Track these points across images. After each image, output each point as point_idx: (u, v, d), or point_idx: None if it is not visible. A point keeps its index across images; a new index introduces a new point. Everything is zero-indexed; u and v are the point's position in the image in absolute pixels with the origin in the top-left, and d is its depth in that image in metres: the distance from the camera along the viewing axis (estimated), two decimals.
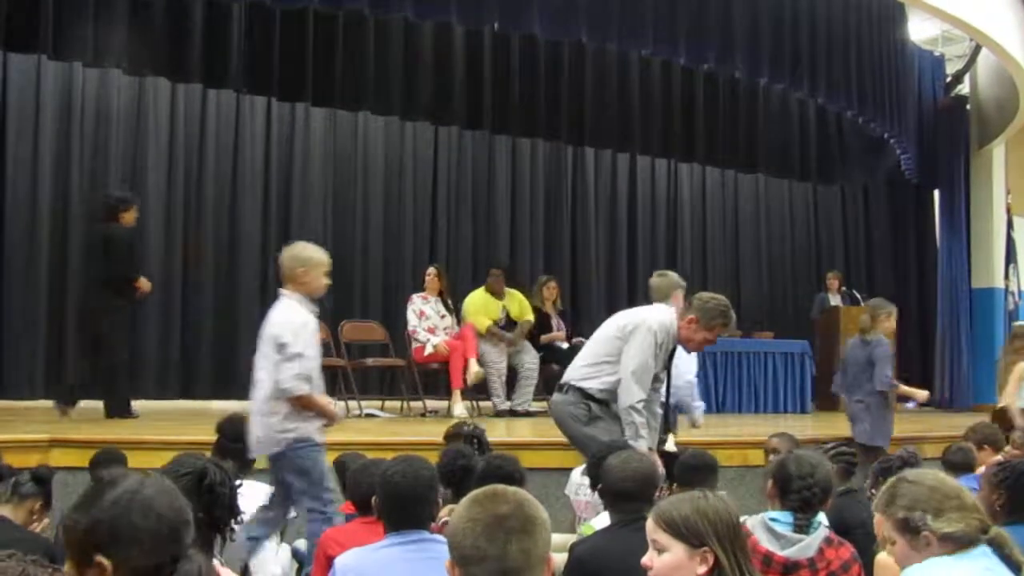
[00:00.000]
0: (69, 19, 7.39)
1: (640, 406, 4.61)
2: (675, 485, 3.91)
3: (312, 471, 4.09)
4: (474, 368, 7.86)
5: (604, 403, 4.75)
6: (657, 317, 4.75)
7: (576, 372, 4.87)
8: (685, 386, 5.72)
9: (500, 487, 1.87)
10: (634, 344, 4.66)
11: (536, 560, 1.76)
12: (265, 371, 4.17)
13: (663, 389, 4.90)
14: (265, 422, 4.16)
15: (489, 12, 7.93)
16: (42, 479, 3.40)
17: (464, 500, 1.85)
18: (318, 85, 8.65)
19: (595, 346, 4.91)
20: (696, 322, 4.65)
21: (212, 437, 4.47)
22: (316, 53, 8.52)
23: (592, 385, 4.77)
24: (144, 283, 7.13)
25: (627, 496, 3.13)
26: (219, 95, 9.26)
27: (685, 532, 2.09)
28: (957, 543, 2.24)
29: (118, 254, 6.97)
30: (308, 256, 4.30)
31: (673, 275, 5.76)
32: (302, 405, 4.13)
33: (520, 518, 1.76)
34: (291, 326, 4.13)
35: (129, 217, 7.14)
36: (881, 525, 2.52)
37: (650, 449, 4.61)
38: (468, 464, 3.71)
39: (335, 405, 4.46)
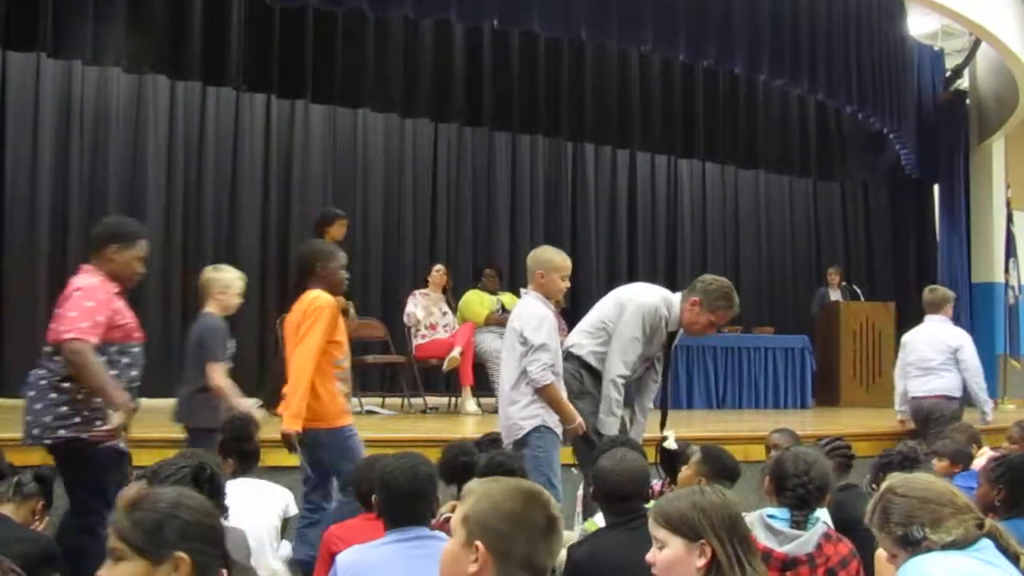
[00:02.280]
0: (68, 17, 7.39)
1: (621, 382, 4.61)
2: (701, 481, 3.90)
3: (544, 460, 4.27)
4: (453, 354, 7.90)
5: (597, 375, 4.69)
6: (649, 299, 4.72)
7: (573, 337, 4.87)
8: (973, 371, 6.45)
9: (536, 490, 1.92)
10: (623, 320, 4.66)
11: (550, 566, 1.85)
12: (508, 363, 4.44)
13: (658, 376, 4.87)
14: (507, 411, 4.41)
15: (488, 9, 7.93)
16: (45, 479, 3.41)
17: (503, 493, 1.87)
18: (317, 82, 8.65)
19: (593, 313, 4.91)
20: (699, 304, 4.64)
21: None
22: (315, 50, 8.52)
23: (584, 351, 4.74)
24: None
25: (624, 496, 3.12)
26: (218, 92, 9.26)
27: (682, 527, 2.12)
28: (959, 547, 2.24)
29: None
30: (548, 259, 4.55)
31: (942, 289, 6.81)
32: (546, 395, 4.33)
33: (558, 528, 1.86)
34: (533, 320, 4.38)
35: (335, 231, 7.34)
36: (880, 540, 2.53)
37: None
38: (470, 461, 3.71)
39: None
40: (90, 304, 3.69)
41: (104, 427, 3.72)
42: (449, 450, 3.84)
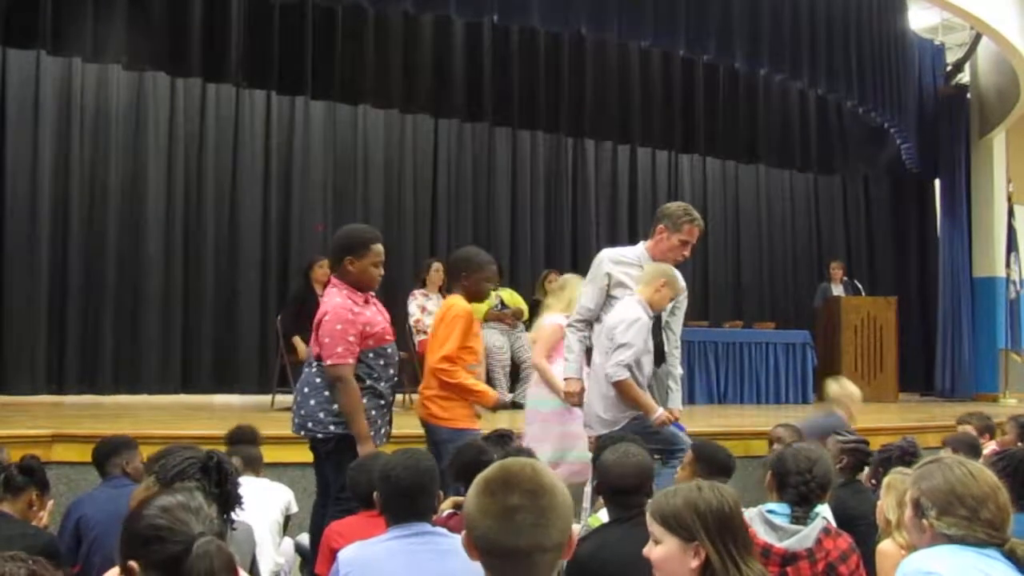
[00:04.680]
0: (68, 15, 7.39)
1: (570, 328, 4.90)
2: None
3: (659, 433, 4.45)
4: None
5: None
6: (610, 250, 4.99)
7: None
8: None
9: (514, 471, 1.77)
10: None
11: (553, 545, 1.71)
12: (602, 358, 4.59)
13: (678, 340, 4.96)
14: (606, 403, 4.57)
15: (488, 4, 7.92)
16: (29, 469, 3.40)
17: (478, 485, 1.77)
18: (318, 79, 8.64)
19: None
20: (666, 230, 4.82)
21: (213, 431, 4.48)
22: (315, 46, 8.51)
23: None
24: None
25: (626, 491, 3.11)
26: (218, 89, 9.26)
27: (676, 526, 2.11)
28: (958, 542, 2.24)
29: None
30: (674, 276, 4.72)
31: None
32: (620, 391, 4.49)
33: (534, 510, 1.70)
34: (626, 320, 4.54)
35: (317, 274, 7.78)
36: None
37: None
38: (490, 460, 3.70)
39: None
40: (339, 327, 4.01)
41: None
42: (468, 450, 3.76)
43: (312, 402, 4.06)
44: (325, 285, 7.93)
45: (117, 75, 8.81)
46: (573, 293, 5.37)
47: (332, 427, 4.02)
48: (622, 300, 4.73)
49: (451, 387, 4.39)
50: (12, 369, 8.34)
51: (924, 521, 2.28)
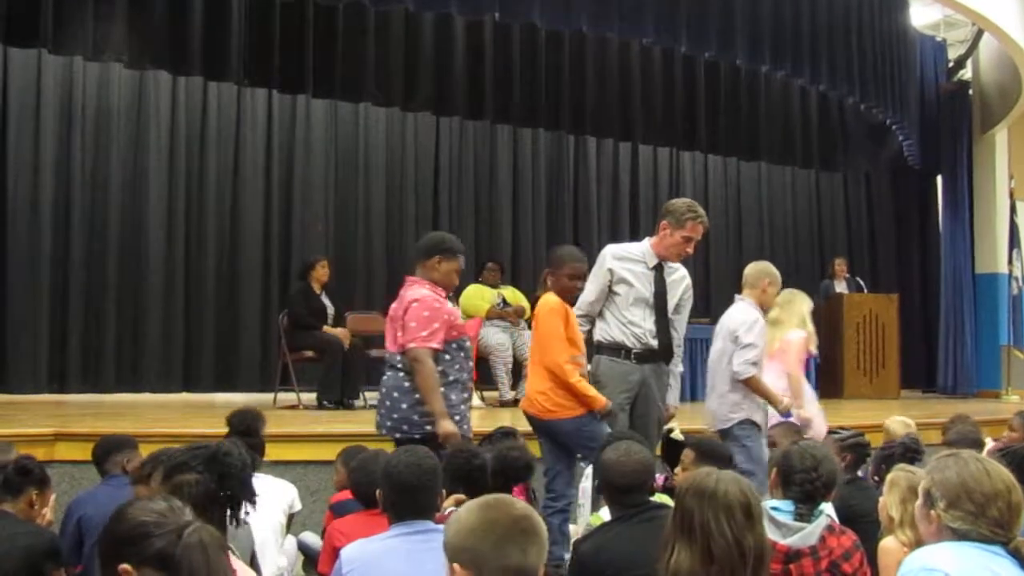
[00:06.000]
0: (69, 13, 7.39)
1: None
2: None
3: (752, 449, 4.82)
4: None
5: (608, 354, 4.85)
6: (613, 246, 5.05)
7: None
8: None
9: (507, 499, 1.96)
10: None
11: (535, 567, 1.83)
12: (720, 360, 4.97)
13: (680, 338, 4.97)
14: (721, 401, 4.95)
15: (489, 2, 7.92)
16: (25, 469, 3.40)
17: (472, 505, 1.92)
18: (319, 77, 8.64)
19: None
20: (669, 226, 4.88)
21: (215, 430, 4.47)
22: (316, 45, 8.50)
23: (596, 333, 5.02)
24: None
25: (628, 489, 3.11)
26: (220, 87, 9.25)
27: None
28: (962, 536, 2.25)
29: None
30: (775, 273, 5.22)
31: None
32: (750, 387, 4.88)
33: (528, 526, 1.85)
34: (745, 323, 4.93)
35: (318, 274, 8.06)
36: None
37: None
38: (483, 463, 3.70)
39: None
40: (426, 314, 4.19)
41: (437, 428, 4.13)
42: (460, 456, 3.73)
43: (404, 405, 4.21)
44: (324, 285, 8.06)
45: (118, 74, 8.81)
46: (802, 308, 5.98)
47: (428, 427, 4.14)
48: (737, 305, 5.02)
49: (565, 386, 4.43)
50: (14, 368, 8.34)
51: (932, 512, 2.30)
